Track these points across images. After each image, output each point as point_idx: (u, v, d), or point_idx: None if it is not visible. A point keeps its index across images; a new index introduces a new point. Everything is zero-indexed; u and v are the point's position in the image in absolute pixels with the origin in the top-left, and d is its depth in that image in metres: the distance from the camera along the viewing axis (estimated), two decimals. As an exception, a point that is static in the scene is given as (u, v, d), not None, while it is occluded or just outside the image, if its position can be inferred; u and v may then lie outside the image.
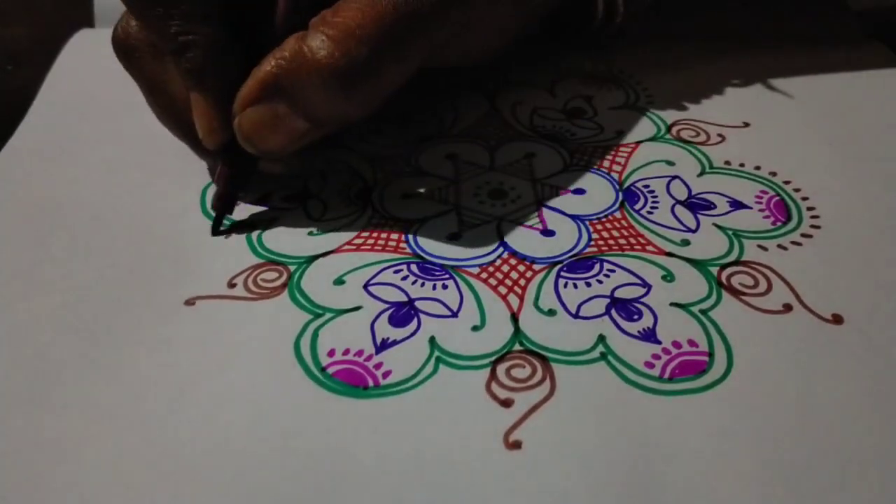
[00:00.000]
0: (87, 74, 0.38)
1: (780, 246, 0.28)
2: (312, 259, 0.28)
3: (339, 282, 0.27)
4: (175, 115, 0.29)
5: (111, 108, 0.36)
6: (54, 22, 0.41)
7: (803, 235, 0.29)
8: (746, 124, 0.35)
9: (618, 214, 0.30)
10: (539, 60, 0.40)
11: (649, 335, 0.25)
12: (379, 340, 0.25)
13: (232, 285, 0.27)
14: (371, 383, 0.24)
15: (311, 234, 0.29)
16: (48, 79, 0.37)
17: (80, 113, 0.35)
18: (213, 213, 0.29)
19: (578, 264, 0.28)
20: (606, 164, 0.33)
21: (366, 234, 0.29)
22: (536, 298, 0.26)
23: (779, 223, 0.29)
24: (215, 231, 0.29)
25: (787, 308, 0.26)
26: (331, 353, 0.25)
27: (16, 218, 0.30)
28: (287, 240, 0.29)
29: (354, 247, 0.29)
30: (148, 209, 0.30)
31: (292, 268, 0.28)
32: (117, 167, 0.32)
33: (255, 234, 0.29)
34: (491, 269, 0.28)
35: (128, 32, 0.29)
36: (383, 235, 0.29)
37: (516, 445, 0.22)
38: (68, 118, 0.35)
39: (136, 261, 0.28)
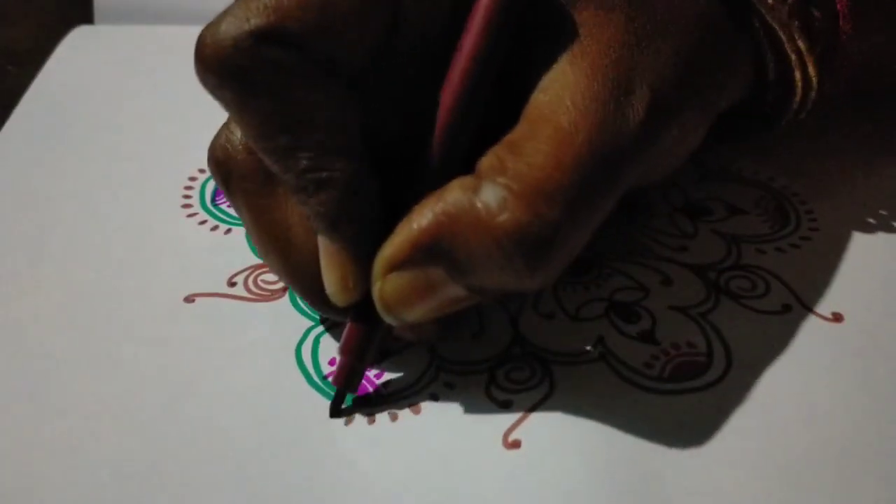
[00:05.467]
0: (82, 69, 0.37)
1: (778, 249, 0.28)
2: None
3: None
4: (289, 259, 0.23)
5: (105, 101, 0.36)
6: (54, 22, 0.41)
7: (802, 238, 0.29)
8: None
9: (615, 221, 0.30)
10: None
11: (648, 337, 0.25)
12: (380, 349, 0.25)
13: (232, 284, 0.27)
14: (372, 392, 0.24)
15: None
16: (41, 73, 0.37)
17: (74, 106, 0.35)
18: (334, 389, 0.23)
19: (577, 268, 0.28)
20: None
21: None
22: (535, 302, 0.26)
23: (777, 227, 0.29)
24: (334, 413, 0.23)
25: (787, 308, 0.26)
26: (332, 362, 0.25)
27: (11, 214, 0.30)
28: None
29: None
30: (145, 203, 0.30)
31: (293, 270, 0.28)
32: (113, 161, 0.32)
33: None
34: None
35: (228, 153, 0.23)
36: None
37: (515, 445, 0.22)
38: (62, 112, 0.35)
39: (134, 256, 0.28)
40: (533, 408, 0.23)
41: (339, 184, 0.21)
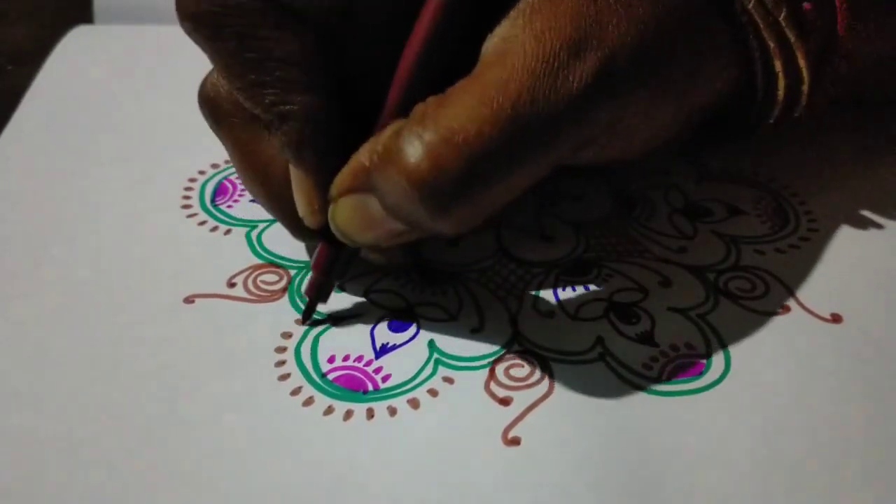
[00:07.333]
0: (81, 68, 0.37)
1: (777, 249, 0.29)
2: (313, 263, 0.28)
3: (339, 289, 0.27)
4: (269, 188, 0.25)
5: (105, 101, 0.36)
6: (54, 22, 0.41)
7: (801, 239, 0.29)
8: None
9: (615, 222, 0.30)
10: None
11: (647, 338, 0.25)
12: (378, 346, 0.25)
13: (231, 285, 0.27)
14: (370, 387, 0.24)
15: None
16: (41, 73, 0.37)
17: (74, 107, 0.35)
18: (305, 300, 0.26)
19: (576, 269, 0.28)
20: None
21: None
22: (535, 301, 0.26)
23: (776, 228, 0.29)
24: (305, 320, 0.26)
25: (786, 309, 0.26)
26: (331, 360, 0.25)
27: (11, 214, 0.30)
28: (287, 242, 0.28)
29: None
30: (145, 204, 0.30)
31: (293, 272, 0.28)
32: (113, 161, 0.32)
33: (254, 234, 0.29)
34: (490, 273, 0.28)
35: (217, 90, 0.25)
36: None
37: (515, 442, 0.22)
38: (61, 113, 0.35)
39: (134, 256, 0.28)
40: (532, 405, 0.23)
41: (300, 116, 0.23)
